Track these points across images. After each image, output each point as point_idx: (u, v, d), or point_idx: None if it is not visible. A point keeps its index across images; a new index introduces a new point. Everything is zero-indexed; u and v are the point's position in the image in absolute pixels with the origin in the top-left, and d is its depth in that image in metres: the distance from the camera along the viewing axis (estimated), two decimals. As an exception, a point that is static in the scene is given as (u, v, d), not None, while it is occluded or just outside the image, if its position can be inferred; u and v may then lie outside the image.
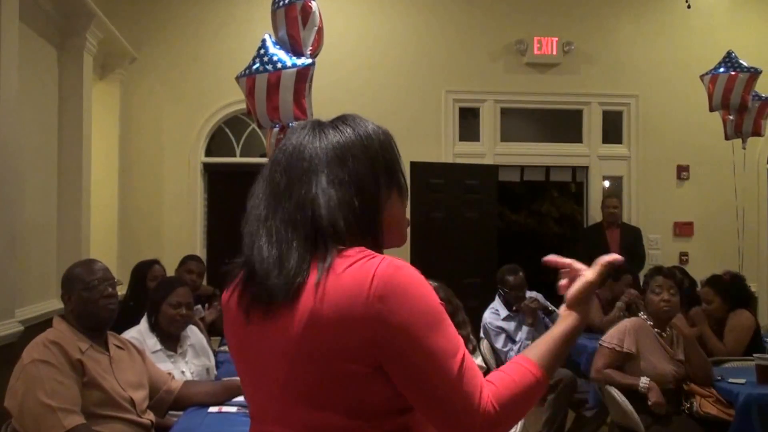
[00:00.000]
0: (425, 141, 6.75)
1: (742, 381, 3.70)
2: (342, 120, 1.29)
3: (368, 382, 1.12)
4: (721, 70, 5.81)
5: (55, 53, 5.14)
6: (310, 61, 4.46)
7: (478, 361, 4.35)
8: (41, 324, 4.09)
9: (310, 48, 4.55)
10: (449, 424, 1.13)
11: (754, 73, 5.73)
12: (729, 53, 5.89)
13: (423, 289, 1.14)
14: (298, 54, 4.49)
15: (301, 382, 1.14)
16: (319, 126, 1.28)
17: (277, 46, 4.51)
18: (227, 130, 6.90)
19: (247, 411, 3.06)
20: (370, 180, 1.23)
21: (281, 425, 1.17)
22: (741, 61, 5.80)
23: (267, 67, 4.37)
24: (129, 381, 2.75)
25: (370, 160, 1.24)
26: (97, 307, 2.73)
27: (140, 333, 3.43)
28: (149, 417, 2.78)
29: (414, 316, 1.11)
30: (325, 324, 1.10)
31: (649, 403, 3.59)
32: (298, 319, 1.12)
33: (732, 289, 4.73)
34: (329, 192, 1.19)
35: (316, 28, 4.55)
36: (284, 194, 1.21)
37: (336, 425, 1.13)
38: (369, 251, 1.16)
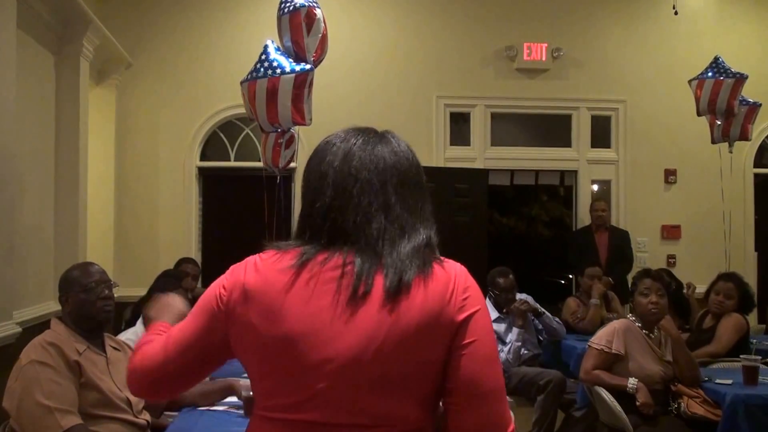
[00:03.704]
0: (416, 145, 6.56)
1: (729, 382, 3.73)
2: (405, 144, 1.46)
3: (442, 371, 1.23)
4: (709, 74, 5.81)
5: (53, 59, 5.16)
6: (308, 66, 4.49)
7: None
8: (39, 326, 4.11)
9: (314, 54, 4.59)
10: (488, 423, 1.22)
11: (740, 78, 5.72)
12: (716, 58, 5.89)
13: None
14: (302, 60, 4.53)
15: (383, 369, 1.19)
16: (385, 138, 1.41)
17: (279, 52, 4.55)
18: (222, 135, 6.94)
19: (241, 411, 3.09)
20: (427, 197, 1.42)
21: (343, 414, 1.21)
22: (728, 66, 5.80)
23: (267, 72, 4.41)
24: (125, 382, 2.78)
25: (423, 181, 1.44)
26: (94, 308, 2.76)
27: (136, 334, 3.45)
28: (145, 417, 2.80)
29: (485, 310, 1.28)
30: (418, 315, 1.20)
31: (637, 403, 3.62)
32: (394, 310, 1.21)
33: (747, 292, 4.79)
34: (429, 212, 1.37)
35: (321, 35, 4.59)
36: (398, 203, 1.32)
37: (403, 414, 1.21)
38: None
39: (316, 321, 1.22)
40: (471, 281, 1.27)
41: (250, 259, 1.32)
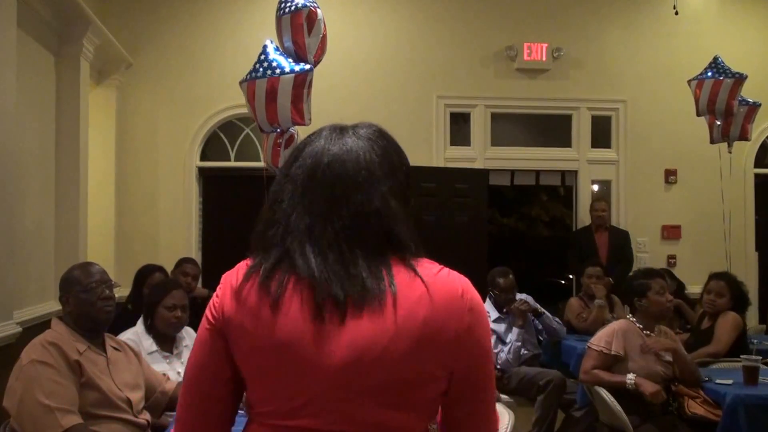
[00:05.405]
0: (417, 145, 6.79)
1: (729, 382, 3.74)
2: (377, 130, 1.32)
3: (442, 386, 1.21)
4: (708, 75, 5.82)
5: (53, 59, 5.16)
6: (307, 66, 4.49)
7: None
8: (39, 325, 4.12)
9: (314, 55, 4.60)
10: None
11: (740, 79, 5.73)
12: (716, 58, 5.90)
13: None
14: (303, 60, 4.54)
15: (382, 379, 1.16)
16: (356, 132, 1.30)
17: (278, 52, 4.55)
18: (222, 135, 6.94)
19: (241, 411, 3.11)
20: (408, 194, 1.31)
21: (339, 421, 1.18)
22: (727, 67, 5.81)
23: (266, 72, 4.42)
24: (125, 382, 2.78)
25: (405, 175, 1.31)
26: (94, 308, 2.76)
27: (136, 334, 3.46)
28: (145, 417, 2.81)
29: (487, 332, 1.25)
30: (422, 328, 1.16)
31: (646, 395, 3.62)
32: (394, 322, 1.16)
33: (740, 290, 4.78)
34: (391, 204, 1.24)
35: (321, 35, 4.59)
36: (338, 202, 1.23)
37: (397, 424, 1.18)
38: (437, 263, 1.25)
39: (309, 327, 1.18)
40: (476, 296, 1.23)
41: (241, 264, 1.28)
